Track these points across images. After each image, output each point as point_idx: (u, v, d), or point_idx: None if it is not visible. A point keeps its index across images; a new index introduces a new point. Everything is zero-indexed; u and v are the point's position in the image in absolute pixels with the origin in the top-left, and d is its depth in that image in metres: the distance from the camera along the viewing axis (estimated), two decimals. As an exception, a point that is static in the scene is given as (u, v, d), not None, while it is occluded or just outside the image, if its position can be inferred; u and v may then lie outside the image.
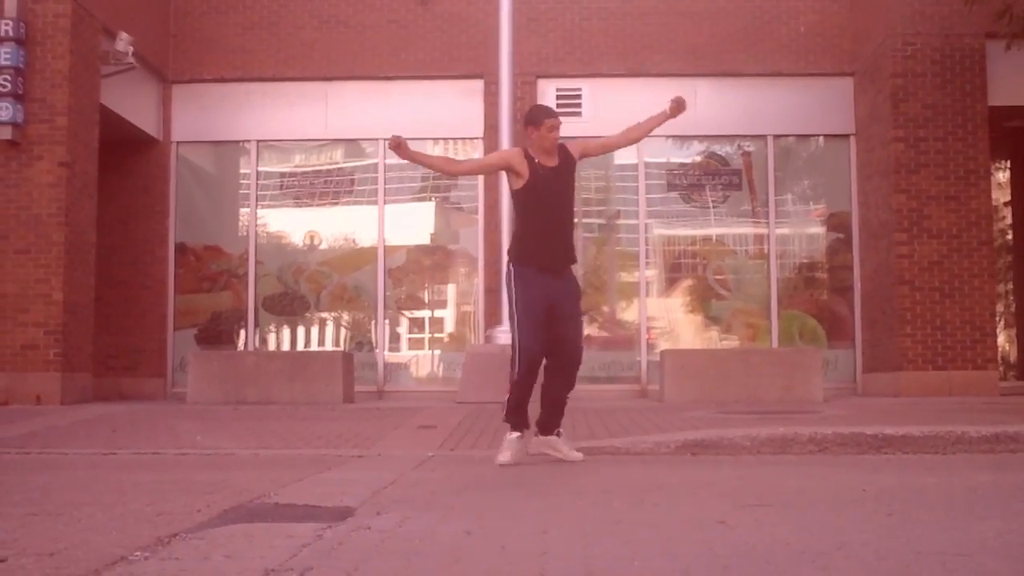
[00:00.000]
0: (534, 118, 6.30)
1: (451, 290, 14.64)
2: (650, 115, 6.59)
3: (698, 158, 14.37)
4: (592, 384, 13.16)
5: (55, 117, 11.42)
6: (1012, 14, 11.13)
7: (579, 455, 6.26)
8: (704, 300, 14.36)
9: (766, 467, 6.23)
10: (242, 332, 14.31)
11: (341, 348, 13.98)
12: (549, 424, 6.26)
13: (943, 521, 3.93)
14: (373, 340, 14.28)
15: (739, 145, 14.41)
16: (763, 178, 14.22)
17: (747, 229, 14.37)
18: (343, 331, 14.58)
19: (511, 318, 6.15)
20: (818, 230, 14.44)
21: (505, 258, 6.45)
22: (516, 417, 6.12)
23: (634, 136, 6.59)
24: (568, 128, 13.97)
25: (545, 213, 6.18)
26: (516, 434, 6.10)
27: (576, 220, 6.57)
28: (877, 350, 13.25)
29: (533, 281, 6.07)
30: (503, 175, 7.27)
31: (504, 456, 6.02)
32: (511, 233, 6.48)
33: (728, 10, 14.17)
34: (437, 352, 14.49)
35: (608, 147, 6.89)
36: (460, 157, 14.53)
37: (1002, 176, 16.55)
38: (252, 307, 14.26)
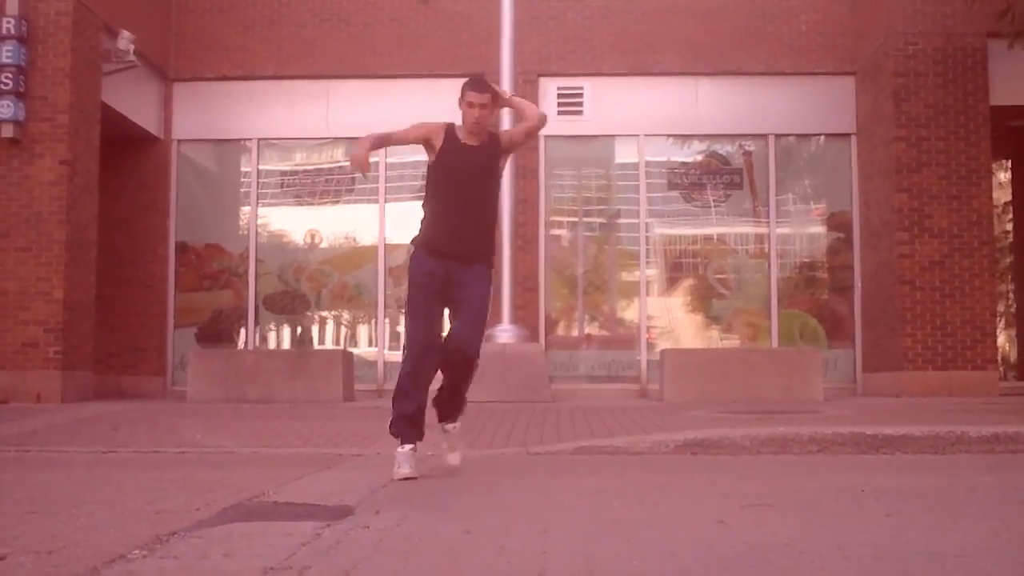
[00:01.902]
0: (461, 91, 5.75)
1: (451, 289, 14.61)
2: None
3: (699, 157, 14.36)
4: (592, 383, 13.18)
5: (56, 115, 11.42)
6: (1014, 13, 11.12)
7: (456, 461, 5.77)
8: (705, 299, 14.35)
9: (766, 467, 6.23)
10: (242, 330, 14.31)
11: (341, 347, 13.98)
12: (445, 414, 5.77)
13: (942, 522, 3.92)
14: (373, 339, 14.28)
15: (740, 144, 14.40)
16: (764, 177, 14.21)
17: (748, 228, 14.36)
18: (343, 330, 14.58)
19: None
20: (819, 229, 14.43)
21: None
22: (399, 428, 5.51)
23: (527, 116, 5.97)
24: (570, 126, 14.21)
25: (454, 194, 5.61)
26: (409, 446, 5.45)
27: (496, 215, 6.00)
28: (877, 350, 13.25)
29: (427, 269, 5.57)
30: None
31: (403, 469, 5.34)
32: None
33: (730, 9, 14.17)
34: (437, 351, 14.46)
35: (524, 132, 6.03)
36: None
37: (1003, 176, 16.56)
38: (252, 305, 14.26)
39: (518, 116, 5.98)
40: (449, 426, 5.78)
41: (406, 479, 5.28)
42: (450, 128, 5.75)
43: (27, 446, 7.33)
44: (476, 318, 5.59)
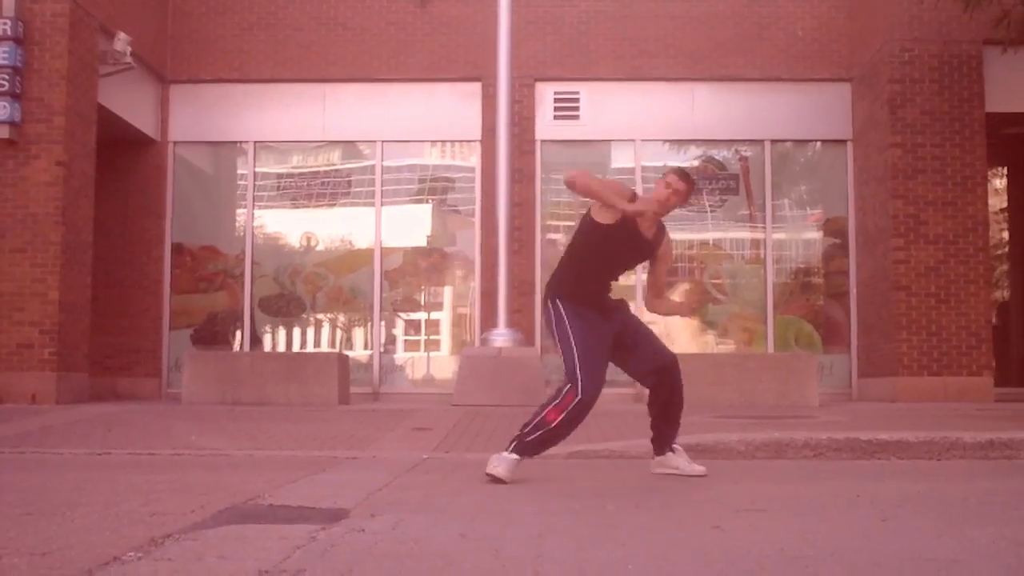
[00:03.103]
0: (674, 173, 5.68)
1: (447, 292, 14.64)
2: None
3: (695, 162, 14.38)
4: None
5: (52, 116, 11.41)
6: (1010, 20, 11.16)
7: (701, 468, 5.84)
8: (700, 304, 14.35)
9: (761, 472, 6.24)
10: (238, 333, 14.30)
11: (337, 350, 13.98)
12: (659, 442, 5.88)
13: (937, 527, 3.93)
14: (369, 342, 14.28)
15: (736, 150, 14.42)
16: (760, 183, 14.23)
17: (744, 234, 14.38)
18: (339, 332, 14.58)
19: (565, 352, 5.57)
20: (815, 235, 14.45)
21: (543, 291, 5.97)
22: (534, 450, 5.55)
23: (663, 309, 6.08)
24: (566, 131, 14.20)
25: (612, 268, 5.77)
26: (516, 457, 5.49)
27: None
28: (873, 355, 13.27)
29: (593, 319, 5.58)
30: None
31: (500, 470, 5.39)
32: (563, 265, 5.82)
33: (726, 15, 14.19)
34: (432, 354, 14.48)
35: (655, 291, 5.99)
36: (459, 160, 14.64)
37: (999, 183, 16.58)
38: (248, 308, 14.25)
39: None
40: (673, 450, 5.90)
41: (494, 480, 5.38)
42: (639, 202, 5.57)
43: (22, 447, 7.31)
44: (648, 332, 5.84)
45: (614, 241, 5.64)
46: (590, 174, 5.72)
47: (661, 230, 5.78)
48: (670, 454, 5.86)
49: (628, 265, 6.02)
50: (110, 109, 12.73)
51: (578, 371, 5.45)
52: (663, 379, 5.74)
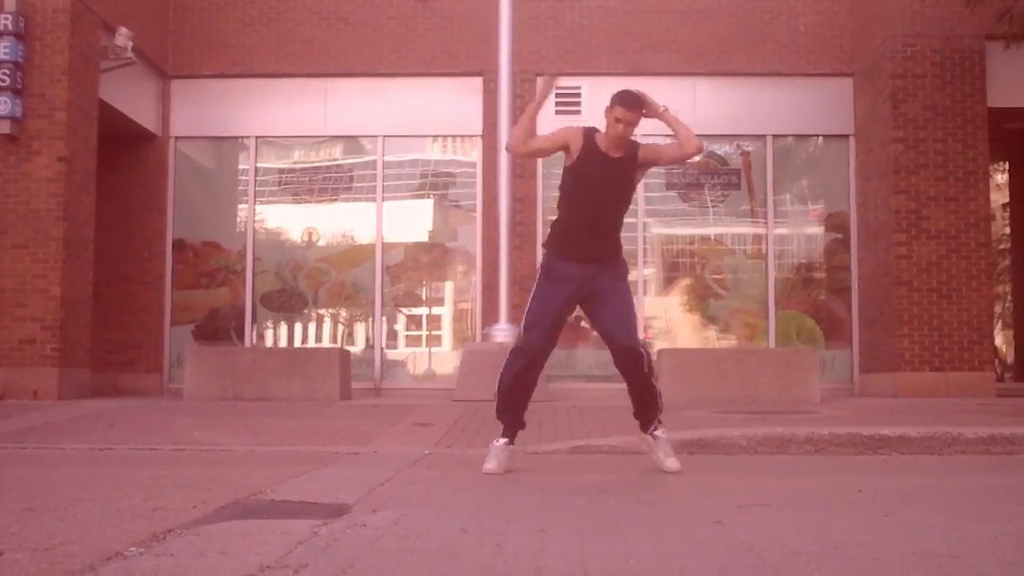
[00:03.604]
0: (610, 101, 5.60)
1: (449, 288, 14.64)
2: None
3: (697, 157, 14.31)
4: (588, 383, 13.19)
5: (54, 112, 11.41)
6: (1012, 15, 11.14)
7: (675, 465, 5.62)
8: (702, 299, 14.36)
9: (763, 467, 6.24)
10: (240, 328, 14.30)
11: (338, 345, 13.98)
12: (639, 420, 5.77)
13: (939, 523, 3.93)
14: (370, 337, 14.28)
15: (738, 145, 14.41)
16: (762, 178, 14.22)
17: (745, 229, 14.38)
18: (341, 328, 14.58)
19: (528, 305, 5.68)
20: (816, 230, 14.44)
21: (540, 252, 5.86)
22: (501, 416, 5.66)
23: (682, 142, 5.76)
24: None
25: (584, 202, 5.61)
26: (503, 440, 5.62)
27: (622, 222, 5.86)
28: (874, 351, 13.26)
29: (561, 273, 5.57)
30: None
31: (489, 464, 5.56)
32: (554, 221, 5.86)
33: (728, 10, 14.18)
34: (434, 349, 14.49)
35: (678, 156, 5.93)
36: (461, 155, 14.62)
37: (1001, 178, 16.57)
38: (250, 303, 14.25)
39: (679, 138, 5.76)
40: (654, 433, 5.73)
41: (490, 474, 5.48)
42: (590, 134, 5.68)
43: (24, 443, 7.32)
44: (622, 309, 5.62)
45: (582, 175, 5.63)
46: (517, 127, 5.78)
47: (633, 147, 5.69)
48: (649, 439, 5.75)
49: (610, 197, 5.66)
50: (111, 104, 12.73)
51: (522, 325, 5.66)
52: (621, 366, 5.66)
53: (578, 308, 5.78)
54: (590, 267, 5.59)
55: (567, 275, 5.60)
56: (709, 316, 14.34)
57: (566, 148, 5.70)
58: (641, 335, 5.75)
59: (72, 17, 11.56)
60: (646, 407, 5.71)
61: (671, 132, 5.79)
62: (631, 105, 5.58)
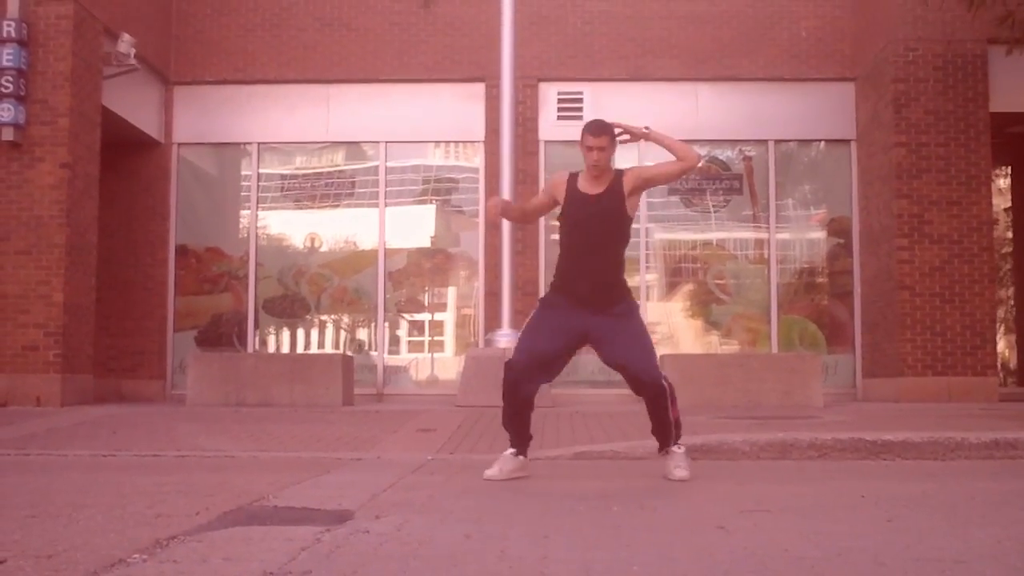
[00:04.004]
0: (581, 135, 5.63)
1: (451, 293, 14.64)
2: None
3: (699, 162, 14.35)
4: (591, 388, 13.18)
5: (57, 119, 11.43)
6: (1014, 19, 11.14)
7: (682, 474, 5.58)
8: (704, 304, 14.36)
9: (765, 472, 6.23)
10: (242, 334, 14.31)
11: (341, 351, 13.98)
12: (658, 441, 5.79)
13: (942, 528, 3.92)
14: (373, 343, 14.29)
15: (740, 150, 14.42)
16: (764, 183, 14.23)
17: (748, 234, 14.38)
18: (343, 334, 14.58)
19: None
20: (819, 235, 14.44)
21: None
22: (508, 430, 5.71)
23: (680, 156, 5.75)
24: (569, 131, 14.13)
25: (578, 245, 5.59)
26: (511, 450, 5.66)
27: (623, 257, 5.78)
28: (877, 355, 13.25)
29: (557, 305, 5.59)
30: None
31: (490, 470, 5.60)
32: None
33: (730, 15, 14.19)
34: (437, 355, 14.49)
35: (677, 171, 5.85)
36: (463, 161, 14.64)
37: (1003, 182, 16.56)
38: (252, 309, 14.27)
39: (673, 154, 5.75)
40: (669, 450, 5.73)
41: (489, 479, 5.54)
42: (572, 178, 5.69)
43: (27, 450, 7.32)
44: (639, 342, 5.58)
45: (569, 220, 5.65)
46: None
47: (617, 177, 5.64)
48: (665, 454, 5.76)
49: (601, 236, 5.59)
50: (114, 111, 12.75)
51: (516, 342, 5.72)
52: (646, 401, 5.66)
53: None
54: (590, 313, 5.57)
55: (563, 303, 5.61)
56: (711, 321, 14.33)
57: (553, 199, 5.75)
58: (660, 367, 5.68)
59: (75, 24, 11.58)
60: (663, 434, 5.73)
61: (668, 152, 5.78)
62: (598, 131, 5.60)
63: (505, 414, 5.69)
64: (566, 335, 5.60)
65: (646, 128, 5.78)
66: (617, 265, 5.68)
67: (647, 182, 5.81)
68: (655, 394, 5.55)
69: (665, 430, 5.68)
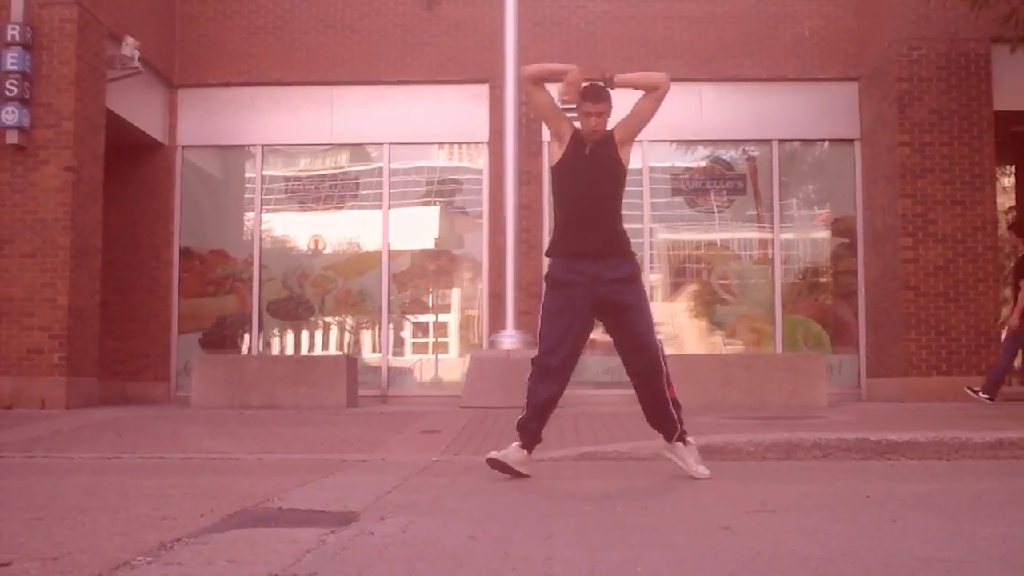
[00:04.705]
0: (578, 101, 5.69)
1: (455, 294, 14.65)
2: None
3: (703, 163, 14.37)
4: (596, 389, 13.17)
5: (61, 122, 11.45)
6: (1018, 18, 11.13)
7: (705, 472, 5.60)
8: (708, 305, 14.36)
9: (770, 472, 6.23)
10: (247, 336, 14.33)
11: (345, 352, 13.99)
12: (659, 430, 5.76)
13: (947, 527, 3.92)
14: (377, 344, 14.29)
15: (744, 150, 14.41)
16: (768, 183, 14.22)
17: (751, 234, 14.37)
18: (347, 335, 14.59)
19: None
20: (823, 235, 14.43)
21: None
22: (521, 429, 5.71)
23: (654, 83, 5.85)
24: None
25: (577, 195, 5.65)
26: (516, 444, 5.71)
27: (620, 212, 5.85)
28: (882, 355, 13.24)
29: (563, 279, 5.57)
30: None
31: (495, 452, 5.69)
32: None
33: (733, 15, 14.18)
34: (441, 357, 14.50)
35: (654, 100, 5.86)
36: (467, 162, 14.65)
37: (1007, 181, 16.54)
38: (257, 311, 14.27)
39: (643, 89, 5.86)
40: (675, 446, 5.71)
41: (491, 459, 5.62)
42: (577, 132, 5.77)
43: (32, 452, 7.33)
44: (638, 316, 5.60)
45: (566, 170, 5.71)
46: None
47: (608, 132, 5.78)
48: (680, 445, 5.72)
49: (600, 184, 5.68)
50: (118, 114, 12.77)
51: (538, 335, 5.65)
52: (636, 385, 5.67)
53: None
54: (593, 264, 5.56)
55: (570, 280, 5.59)
56: (716, 322, 14.33)
57: (558, 130, 5.77)
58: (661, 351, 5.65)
59: (79, 27, 11.60)
60: (666, 420, 5.69)
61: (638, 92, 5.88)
62: (597, 97, 5.71)
63: (527, 414, 5.66)
64: (579, 314, 5.61)
65: (612, 75, 5.83)
66: (616, 214, 5.76)
67: (637, 123, 5.86)
68: (652, 368, 5.54)
69: (665, 413, 5.64)
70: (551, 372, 5.59)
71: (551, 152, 5.88)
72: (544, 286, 5.78)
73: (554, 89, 5.84)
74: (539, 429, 5.73)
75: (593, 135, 5.70)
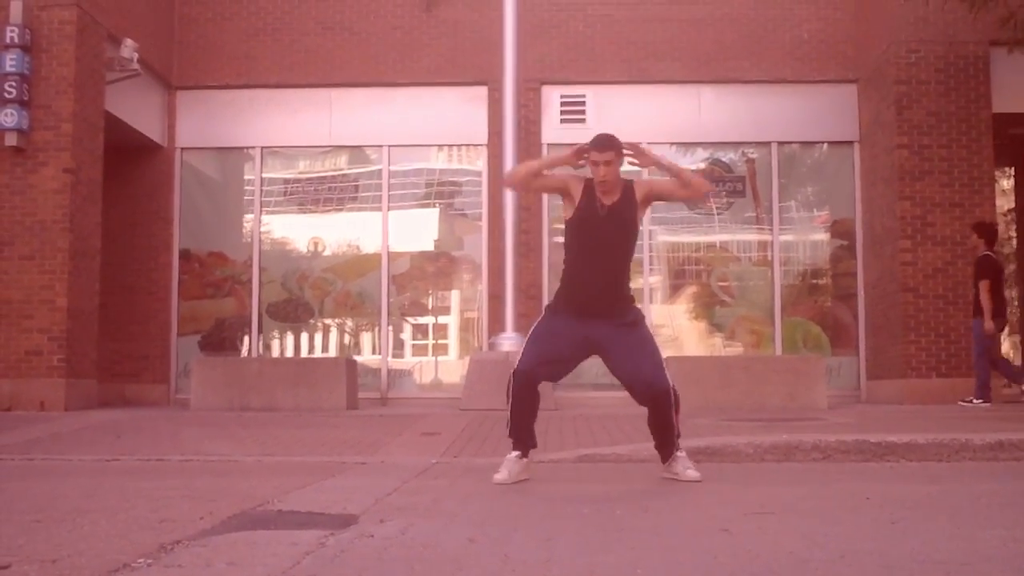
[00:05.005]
0: (588, 148, 5.63)
1: (455, 297, 14.65)
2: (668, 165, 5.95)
3: (702, 165, 14.37)
4: (596, 391, 13.15)
5: (60, 124, 11.45)
6: (1016, 20, 11.14)
7: (695, 475, 5.58)
8: (708, 307, 14.36)
9: (770, 475, 6.22)
10: (246, 338, 14.32)
11: (345, 355, 13.98)
12: (660, 452, 5.79)
13: (947, 529, 3.92)
14: (377, 346, 14.29)
15: (743, 152, 14.42)
16: (767, 185, 14.22)
17: (751, 236, 14.37)
18: (347, 337, 14.59)
19: None
20: (822, 237, 14.43)
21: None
22: (513, 435, 5.67)
23: (689, 184, 5.78)
24: (572, 134, 14.21)
25: (588, 253, 5.59)
26: (515, 453, 5.66)
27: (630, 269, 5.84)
28: (881, 357, 13.24)
29: (563, 313, 5.61)
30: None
31: (499, 474, 5.56)
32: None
33: (732, 17, 14.19)
34: (440, 359, 14.49)
35: (682, 197, 6.02)
36: (466, 164, 14.65)
37: (1006, 184, 16.56)
38: (256, 313, 14.27)
39: (674, 176, 5.81)
40: (671, 463, 5.70)
41: (500, 483, 5.48)
42: (588, 184, 5.66)
43: (31, 454, 7.33)
44: (646, 349, 5.55)
45: (580, 227, 5.64)
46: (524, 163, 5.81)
47: (627, 188, 5.67)
48: (670, 461, 5.75)
49: (614, 246, 5.63)
50: (117, 116, 12.77)
51: (520, 351, 5.67)
52: (650, 410, 5.66)
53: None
54: (596, 321, 5.57)
55: (570, 312, 5.62)
56: (715, 323, 14.33)
57: (566, 191, 5.70)
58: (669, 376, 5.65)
59: (78, 29, 11.60)
60: (668, 444, 5.71)
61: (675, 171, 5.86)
62: (602, 146, 5.60)
63: (512, 422, 5.66)
64: (573, 344, 5.62)
65: (660, 156, 5.84)
66: (625, 275, 5.72)
67: (657, 197, 5.87)
68: (663, 401, 5.53)
69: (669, 439, 5.69)
70: (526, 380, 5.56)
71: (564, 208, 5.78)
72: (543, 314, 5.80)
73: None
74: (531, 433, 5.72)
75: (603, 186, 5.60)
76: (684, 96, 14.20)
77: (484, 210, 14.10)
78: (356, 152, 14.75)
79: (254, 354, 14.08)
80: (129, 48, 12.40)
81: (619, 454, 7.01)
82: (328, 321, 14.54)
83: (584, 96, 14.13)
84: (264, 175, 14.55)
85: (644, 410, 5.79)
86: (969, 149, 12.67)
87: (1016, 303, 16.52)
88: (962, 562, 3.27)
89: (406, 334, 14.51)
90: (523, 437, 5.68)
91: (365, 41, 14.30)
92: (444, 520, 4.18)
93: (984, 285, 11.23)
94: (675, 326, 14.40)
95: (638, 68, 14.16)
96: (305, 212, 14.65)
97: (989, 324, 11.14)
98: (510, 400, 5.62)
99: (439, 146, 14.70)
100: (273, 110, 14.41)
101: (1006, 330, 14.91)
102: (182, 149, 14.43)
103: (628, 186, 5.68)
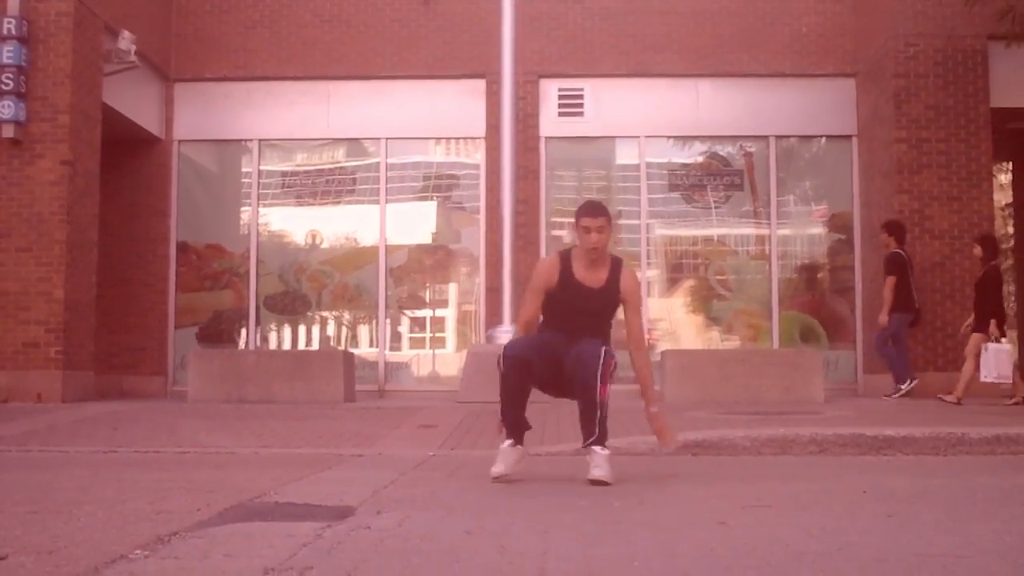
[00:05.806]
0: (575, 216, 5.53)
1: (452, 289, 14.64)
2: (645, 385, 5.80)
3: (700, 158, 14.36)
4: (593, 384, 13.16)
5: (57, 115, 11.42)
6: (1014, 14, 11.14)
7: (602, 475, 5.24)
8: (705, 300, 14.36)
9: (767, 468, 6.23)
10: (243, 331, 14.32)
11: (342, 347, 13.98)
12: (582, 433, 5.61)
13: (943, 523, 3.93)
14: (374, 339, 14.28)
15: (741, 146, 14.40)
16: (765, 179, 14.22)
17: (749, 230, 14.37)
18: (344, 330, 14.59)
19: None
20: (820, 231, 14.43)
21: None
22: (505, 421, 5.55)
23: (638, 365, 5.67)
24: (570, 127, 14.22)
25: (567, 325, 5.52)
26: (508, 441, 5.49)
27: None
28: (878, 351, 13.23)
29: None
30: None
31: (496, 468, 5.41)
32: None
33: (730, 10, 14.17)
34: (438, 351, 14.49)
35: (632, 341, 5.69)
36: (464, 157, 14.63)
37: (1004, 178, 16.56)
38: (253, 306, 14.26)
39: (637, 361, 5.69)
40: (593, 449, 5.44)
41: (498, 478, 5.34)
42: (565, 259, 5.57)
43: (28, 446, 7.33)
44: (588, 347, 5.38)
45: (562, 301, 5.54)
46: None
47: (615, 273, 5.57)
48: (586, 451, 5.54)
49: (585, 315, 5.54)
50: (115, 108, 12.74)
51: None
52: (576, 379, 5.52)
53: None
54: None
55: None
56: (712, 317, 14.33)
57: (550, 283, 5.57)
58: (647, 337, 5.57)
59: (75, 21, 11.57)
60: (587, 430, 5.51)
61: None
62: (594, 212, 5.51)
63: (503, 402, 5.52)
64: (546, 345, 5.54)
65: (655, 409, 5.75)
66: (606, 332, 5.65)
67: (627, 306, 5.65)
68: (582, 385, 5.40)
69: (589, 427, 5.47)
70: (518, 362, 5.41)
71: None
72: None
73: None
74: (522, 417, 5.55)
75: (593, 253, 5.48)
76: (682, 89, 14.18)
77: (482, 203, 14.08)
78: (354, 145, 14.73)
79: (251, 346, 14.08)
80: (127, 40, 12.37)
81: (616, 447, 6.99)
82: (325, 314, 14.53)
83: (582, 89, 14.12)
84: (262, 167, 14.53)
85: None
86: (967, 143, 12.67)
87: (1014, 298, 16.51)
88: (958, 555, 3.27)
89: (403, 327, 14.51)
90: (515, 422, 5.52)
91: (363, 34, 14.28)
92: (441, 512, 4.19)
93: (890, 281, 11.70)
94: (672, 320, 14.40)
95: (636, 61, 14.14)
96: (303, 205, 14.64)
97: (884, 317, 11.67)
98: (500, 378, 5.46)
99: (437, 139, 14.68)
100: (271, 102, 14.39)
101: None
102: (179, 141, 14.41)
103: (615, 266, 5.59)
